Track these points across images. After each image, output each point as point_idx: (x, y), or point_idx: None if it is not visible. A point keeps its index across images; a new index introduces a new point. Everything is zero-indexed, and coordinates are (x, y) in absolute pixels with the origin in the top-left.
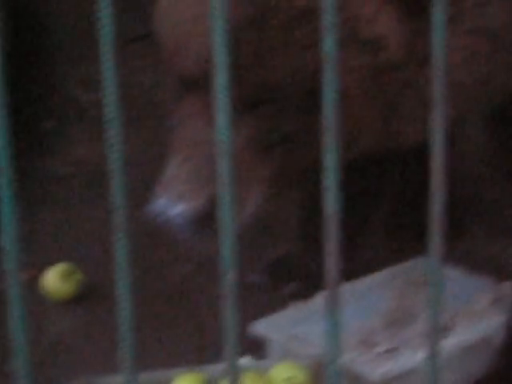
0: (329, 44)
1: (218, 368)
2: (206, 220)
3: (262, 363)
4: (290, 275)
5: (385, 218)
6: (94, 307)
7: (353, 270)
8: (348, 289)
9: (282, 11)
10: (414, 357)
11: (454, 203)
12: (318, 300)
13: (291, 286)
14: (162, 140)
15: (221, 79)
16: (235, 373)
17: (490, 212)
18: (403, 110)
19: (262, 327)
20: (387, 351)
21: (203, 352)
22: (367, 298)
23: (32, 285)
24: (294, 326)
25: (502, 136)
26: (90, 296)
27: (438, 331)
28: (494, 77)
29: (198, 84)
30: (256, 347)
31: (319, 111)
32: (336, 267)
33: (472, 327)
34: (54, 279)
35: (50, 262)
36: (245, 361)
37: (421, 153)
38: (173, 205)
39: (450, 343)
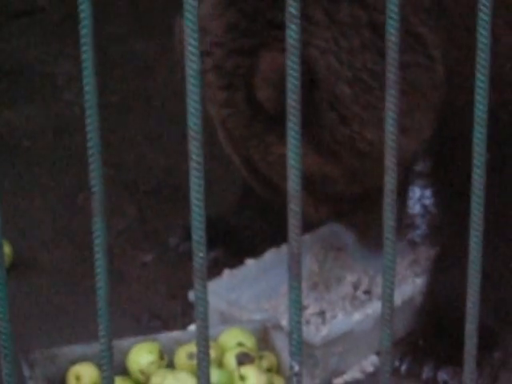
0: (293, 32)
1: (172, 336)
2: None
3: (211, 330)
4: (211, 241)
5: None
6: (23, 280)
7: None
8: (272, 255)
9: None
10: (349, 320)
11: None
12: (249, 266)
13: (214, 253)
14: (58, 111)
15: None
16: (205, 341)
17: None
18: None
19: None
20: (318, 314)
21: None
22: None
23: None
24: (230, 292)
25: None
26: (18, 268)
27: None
28: None
29: None
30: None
31: None
32: (299, 247)
33: (396, 290)
34: None
35: None
36: (193, 328)
37: None
38: None
39: (375, 306)
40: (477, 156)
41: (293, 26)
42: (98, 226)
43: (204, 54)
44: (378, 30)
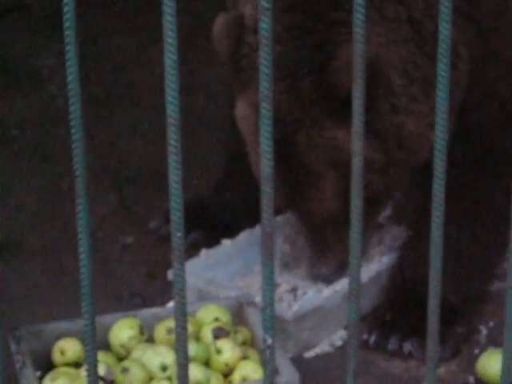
0: (265, 24)
1: (151, 312)
2: None
3: (188, 306)
4: (190, 224)
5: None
6: (10, 261)
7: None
8: (247, 236)
9: None
10: (319, 296)
11: None
12: (225, 246)
13: (193, 234)
14: (43, 102)
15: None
16: (183, 316)
17: None
18: None
19: None
20: (289, 291)
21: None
22: None
23: None
24: (207, 271)
25: None
26: (6, 250)
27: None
28: None
29: None
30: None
31: None
32: (271, 227)
33: (363, 268)
34: None
35: None
36: (171, 305)
37: None
38: None
39: (343, 283)
40: (438, 140)
41: (265, 19)
42: (81, 207)
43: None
44: (416, 25)
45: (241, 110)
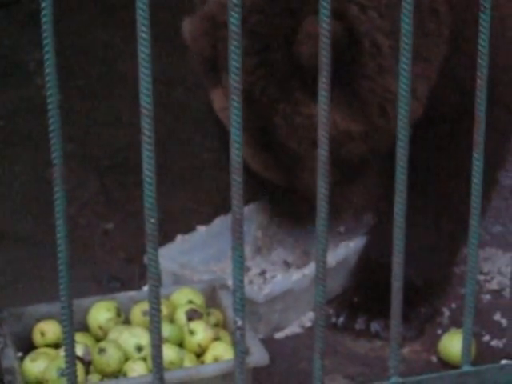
0: (234, 20)
1: (128, 295)
2: None
3: (163, 290)
4: None
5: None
6: None
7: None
8: (221, 222)
9: None
10: (289, 279)
11: None
12: (200, 232)
13: None
14: (30, 94)
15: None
16: (157, 299)
17: None
18: None
19: None
20: (259, 274)
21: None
22: None
23: None
24: (182, 256)
25: None
26: None
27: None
28: None
29: None
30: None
31: None
32: (241, 214)
33: (331, 252)
34: None
35: None
36: (147, 288)
37: None
38: None
39: (312, 267)
40: (400, 130)
41: (234, 15)
42: (58, 194)
43: None
44: None
45: (218, 102)
